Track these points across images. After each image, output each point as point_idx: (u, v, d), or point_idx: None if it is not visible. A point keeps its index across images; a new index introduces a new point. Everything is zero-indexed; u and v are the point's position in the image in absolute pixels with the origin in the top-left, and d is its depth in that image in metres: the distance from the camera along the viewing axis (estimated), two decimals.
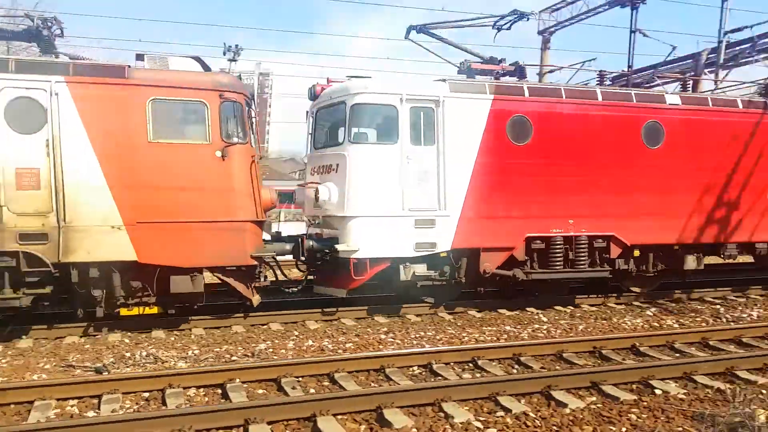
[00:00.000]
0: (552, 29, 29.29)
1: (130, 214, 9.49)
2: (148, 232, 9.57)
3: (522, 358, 8.49)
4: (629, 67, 17.43)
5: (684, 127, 13.07)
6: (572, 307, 12.64)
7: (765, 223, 13.73)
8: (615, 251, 12.61)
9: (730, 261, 14.69)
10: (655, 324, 11.13)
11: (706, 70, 19.54)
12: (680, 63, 25.48)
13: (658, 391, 7.12)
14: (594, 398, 6.94)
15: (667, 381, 7.45)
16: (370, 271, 11.16)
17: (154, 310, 10.37)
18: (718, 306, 12.73)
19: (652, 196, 12.76)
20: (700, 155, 13.14)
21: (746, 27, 19.45)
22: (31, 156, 9.16)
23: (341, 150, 11.27)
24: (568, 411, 6.52)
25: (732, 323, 11.09)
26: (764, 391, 7.14)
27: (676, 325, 10.99)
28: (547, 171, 12.08)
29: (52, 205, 9.20)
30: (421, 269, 11.46)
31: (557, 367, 8.24)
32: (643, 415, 6.43)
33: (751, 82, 16.75)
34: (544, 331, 10.52)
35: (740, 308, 12.51)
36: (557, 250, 12.13)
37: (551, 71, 24.47)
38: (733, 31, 19.53)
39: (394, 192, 11.17)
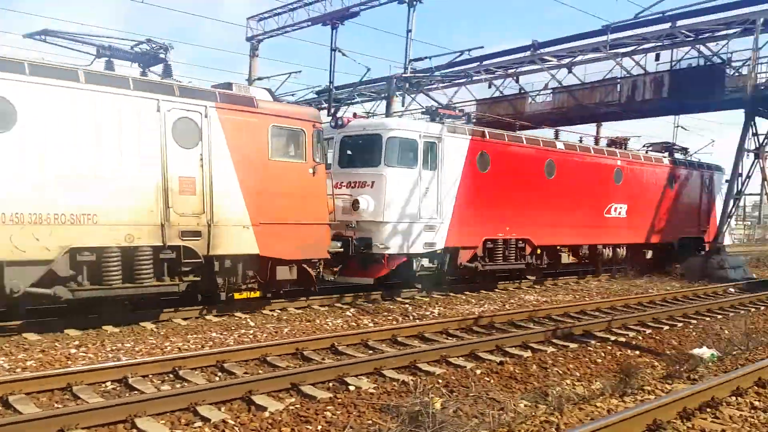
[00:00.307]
0: (260, 37, 29.90)
1: (255, 217, 11.90)
2: (266, 231, 12.04)
3: (226, 365, 8.40)
4: (330, 82, 18.62)
5: (565, 164, 18.76)
6: (279, 311, 12.94)
7: (595, 233, 19.94)
8: (528, 250, 17.72)
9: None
10: (353, 324, 11.92)
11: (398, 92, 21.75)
12: (375, 84, 28.00)
13: (351, 388, 7.62)
14: (293, 399, 7.16)
15: (360, 377, 8.01)
16: (395, 263, 14.84)
17: (257, 294, 12.79)
18: (407, 305, 14.13)
19: (548, 211, 17.99)
20: (573, 183, 18.92)
21: (426, 57, 22.45)
22: (189, 167, 11.12)
23: (378, 170, 14.61)
24: (267, 414, 6.61)
25: (417, 320, 12.37)
26: (440, 381, 8.08)
27: (371, 324, 11.89)
28: (496, 192, 16.78)
29: (203, 208, 11.26)
30: (426, 262, 15.52)
31: (260, 371, 8.33)
32: (338, 412, 6.80)
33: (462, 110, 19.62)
34: (251, 336, 10.56)
35: (425, 306, 14.04)
36: (499, 249, 16.87)
37: (260, 78, 25.02)
38: (416, 59, 22.20)
39: (414, 204, 14.96)
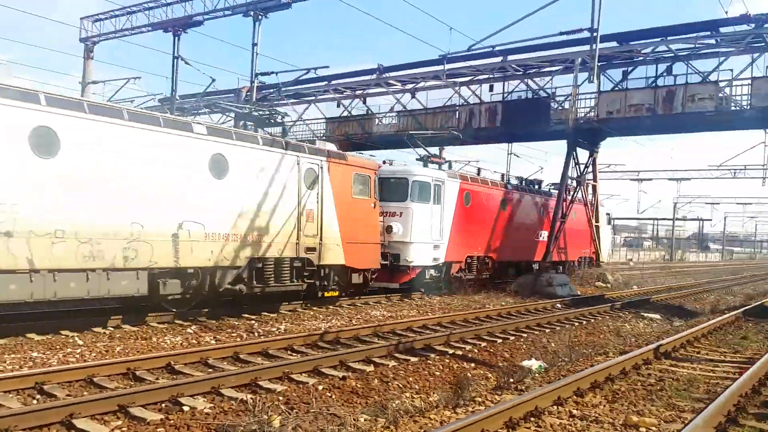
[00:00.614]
0: (95, 39, 28.28)
1: (344, 237, 16.52)
2: (349, 248, 16.65)
3: (46, 387, 7.71)
4: (173, 91, 18.00)
5: (511, 200, 25.84)
6: (112, 329, 12.13)
7: (530, 252, 27.13)
8: (490, 264, 23.94)
9: None
10: (194, 341, 11.43)
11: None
12: (223, 95, 27.55)
13: (186, 408, 7.27)
14: (120, 422, 6.71)
15: (196, 397, 7.68)
16: (415, 272, 19.91)
17: (336, 293, 17.05)
18: (253, 321, 13.81)
19: (502, 236, 24.50)
20: (518, 215, 26.14)
21: (273, 72, 22.62)
22: (311, 202, 15.72)
23: (406, 205, 19.70)
24: None
25: (262, 337, 12.11)
26: (281, 398, 7.94)
27: (213, 341, 11.47)
28: (474, 222, 22.91)
29: (317, 231, 15.86)
30: (433, 272, 20.87)
31: (85, 393, 7.72)
32: None
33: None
34: (78, 355, 9.78)
35: (271, 323, 13.80)
36: (475, 264, 22.96)
37: (94, 82, 23.63)
38: (263, 74, 22.14)
39: (428, 229, 20.19)
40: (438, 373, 9.99)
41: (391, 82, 30.94)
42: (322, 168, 15.97)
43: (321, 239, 15.82)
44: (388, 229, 18.96)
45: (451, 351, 11.49)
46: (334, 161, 16.41)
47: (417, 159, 22.04)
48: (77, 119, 11.12)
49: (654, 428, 6.79)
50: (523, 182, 28.08)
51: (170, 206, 12.55)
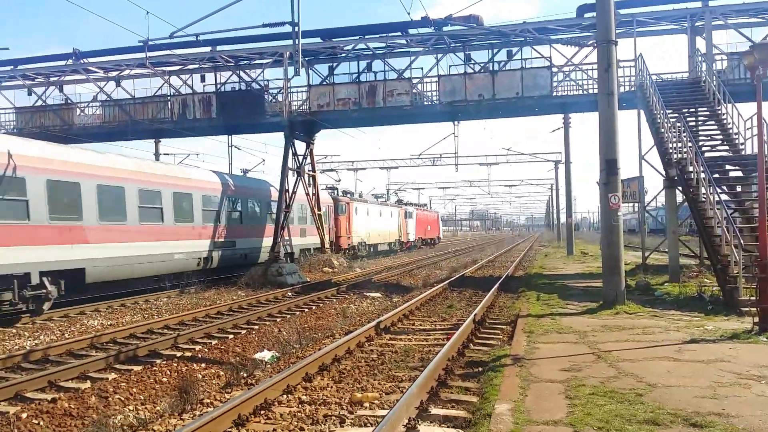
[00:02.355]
0: None
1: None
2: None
3: None
4: None
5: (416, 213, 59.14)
6: None
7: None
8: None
9: None
10: None
11: None
12: None
13: None
14: None
15: None
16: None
17: None
18: None
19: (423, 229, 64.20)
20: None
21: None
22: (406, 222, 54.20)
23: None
24: None
25: None
26: None
27: None
28: (421, 224, 60.73)
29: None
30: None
31: None
32: None
33: None
34: None
35: None
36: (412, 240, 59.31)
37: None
38: None
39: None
40: (165, 380, 9.47)
41: (91, 68, 28.44)
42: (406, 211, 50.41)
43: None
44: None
45: (179, 354, 11.00)
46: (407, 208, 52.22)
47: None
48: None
49: (376, 401, 7.26)
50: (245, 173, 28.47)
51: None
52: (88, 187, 17.19)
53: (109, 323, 14.87)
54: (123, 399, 8.47)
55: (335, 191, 39.92)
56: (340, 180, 49.44)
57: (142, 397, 8.62)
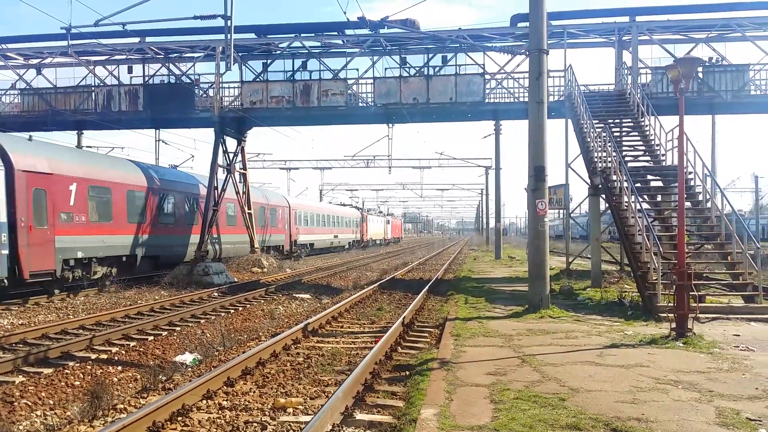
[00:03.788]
0: None
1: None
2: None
3: None
4: None
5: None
6: None
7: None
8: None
9: None
10: None
11: None
12: None
13: None
14: None
15: None
16: None
17: None
18: None
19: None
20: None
21: None
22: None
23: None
24: None
25: None
26: None
27: None
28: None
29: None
30: None
31: None
32: None
33: None
34: None
35: None
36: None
37: None
38: None
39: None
40: (78, 383, 8.97)
41: (10, 55, 26.98)
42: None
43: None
44: None
45: (94, 356, 10.48)
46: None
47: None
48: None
49: (300, 407, 7.07)
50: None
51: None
52: None
53: (20, 322, 14.07)
54: (30, 404, 7.95)
55: (362, 209, 73.51)
56: (364, 201, 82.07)
57: (52, 402, 8.12)
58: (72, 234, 18.69)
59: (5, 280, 16.02)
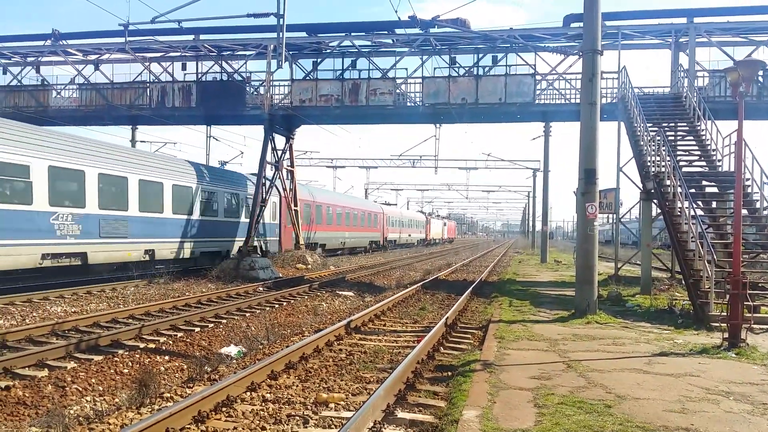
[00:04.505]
0: None
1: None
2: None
3: None
4: None
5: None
6: None
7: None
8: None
9: None
10: None
11: None
12: None
13: None
14: None
15: None
16: None
17: None
18: None
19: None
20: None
21: None
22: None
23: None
24: None
25: None
26: None
27: None
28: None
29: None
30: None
31: None
32: None
33: None
34: None
35: None
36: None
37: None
38: None
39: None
40: (127, 371, 9.20)
41: (70, 51, 27.87)
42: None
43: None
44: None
45: (143, 345, 10.73)
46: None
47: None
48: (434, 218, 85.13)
49: (342, 402, 7.09)
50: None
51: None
52: None
53: (72, 310, 14.51)
54: (81, 389, 8.19)
55: (428, 213, 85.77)
56: (408, 201, 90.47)
57: (101, 388, 8.35)
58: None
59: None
